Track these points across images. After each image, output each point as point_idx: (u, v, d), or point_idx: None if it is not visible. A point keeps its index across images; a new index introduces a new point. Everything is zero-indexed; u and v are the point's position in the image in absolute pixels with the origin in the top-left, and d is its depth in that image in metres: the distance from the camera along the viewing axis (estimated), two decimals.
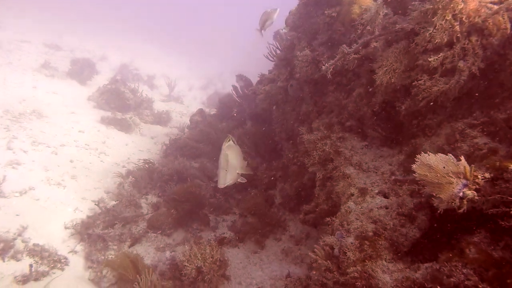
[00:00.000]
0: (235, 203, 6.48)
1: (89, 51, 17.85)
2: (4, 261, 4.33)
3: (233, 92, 9.24)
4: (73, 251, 5.00)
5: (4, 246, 4.43)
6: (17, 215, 5.19)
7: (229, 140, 3.48)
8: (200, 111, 9.39)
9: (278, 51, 7.18)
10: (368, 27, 3.38)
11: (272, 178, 6.04)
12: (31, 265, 4.32)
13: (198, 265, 4.12)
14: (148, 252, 5.18)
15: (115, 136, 9.29)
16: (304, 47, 5.13)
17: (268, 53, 7.24)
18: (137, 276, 4.17)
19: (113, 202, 6.09)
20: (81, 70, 12.19)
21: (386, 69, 3.15)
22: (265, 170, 6.23)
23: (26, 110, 8.65)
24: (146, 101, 11.27)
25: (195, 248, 4.21)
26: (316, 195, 4.25)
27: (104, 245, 5.14)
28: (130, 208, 5.71)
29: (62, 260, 4.71)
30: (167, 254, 5.06)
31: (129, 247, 5.29)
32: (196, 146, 7.61)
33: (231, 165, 3.23)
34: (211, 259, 4.20)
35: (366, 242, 2.82)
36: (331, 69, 3.80)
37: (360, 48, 3.89)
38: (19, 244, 4.60)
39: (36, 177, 6.30)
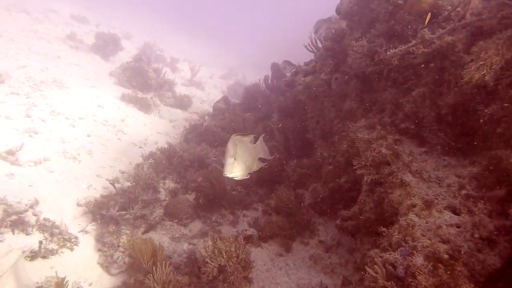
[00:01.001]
0: (258, 199, 6.04)
1: (115, 27, 17.57)
2: (14, 234, 3.98)
3: (262, 82, 8.78)
4: (84, 231, 4.66)
5: (16, 219, 4.07)
6: (30, 185, 4.85)
7: (245, 135, 2.97)
8: (225, 98, 8.96)
9: (319, 43, 6.69)
10: (459, 9, 2.83)
11: (303, 176, 5.56)
12: (41, 242, 3.97)
13: (222, 264, 3.68)
14: (162, 241, 4.78)
15: (134, 115, 8.92)
16: (358, 38, 4.62)
17: (308, 43, 6.76)
18: (153, 267, 3.77)
19: (128, 183, 5.72)
20: (106, 45, 11.88)
21: (482, 64, 2.62)
22: (295, 167, 5.76)
23: (48, 79, 8.34)
24: (168, 83, 10.88)
25: (220, 244, 3.78)
26: (361, 201, 3.76)
27: (117, 228, 4.76)
28: (148, 191, 5.31)
29: (73, 240, 4.37)
30: (185, 246, 4.65)
31: (143, 233, 4.91)
32: (221, 133, 7.18)
33: (239, 156, 2.74)
34: (236, 258, 3.76)
35: (440, 265, 2.35)
36: (398, 55, 3.28)
37: (435, 39, 3.38)
38: (30, 217, 4.24)
39: (52, 148, 5.96)
